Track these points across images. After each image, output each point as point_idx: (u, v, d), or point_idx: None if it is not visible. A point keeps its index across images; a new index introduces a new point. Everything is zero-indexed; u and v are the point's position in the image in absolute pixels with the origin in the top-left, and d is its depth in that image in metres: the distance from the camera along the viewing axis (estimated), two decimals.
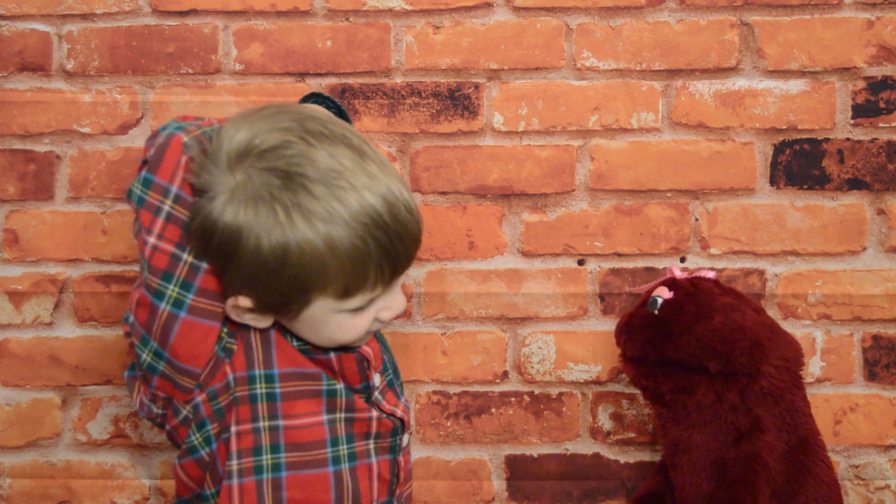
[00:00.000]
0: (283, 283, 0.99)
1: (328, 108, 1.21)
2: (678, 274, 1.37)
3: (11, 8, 1.50)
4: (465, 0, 1.49)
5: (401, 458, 1.16)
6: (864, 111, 1.49)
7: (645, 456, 1.53)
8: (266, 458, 1.07)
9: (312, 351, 1.09)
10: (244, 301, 1.02)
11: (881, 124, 1.49)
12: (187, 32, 1.50)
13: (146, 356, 1.04)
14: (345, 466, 1.09)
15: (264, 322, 1.06)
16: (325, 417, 1.09)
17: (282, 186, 0.97)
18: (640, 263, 1.51)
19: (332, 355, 1.10)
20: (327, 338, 1.07)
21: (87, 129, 1.51)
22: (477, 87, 1.50)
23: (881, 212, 1.50)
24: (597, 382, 1.52)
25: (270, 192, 0.97)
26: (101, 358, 1.51)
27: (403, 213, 1.01)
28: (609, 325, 1.51)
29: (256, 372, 1.07)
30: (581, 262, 1.51)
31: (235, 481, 1.07)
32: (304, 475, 1.08)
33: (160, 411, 1.09)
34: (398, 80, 1.50)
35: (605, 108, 1.50)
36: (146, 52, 1.50)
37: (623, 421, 1.53)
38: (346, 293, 1.02)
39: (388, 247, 1.00)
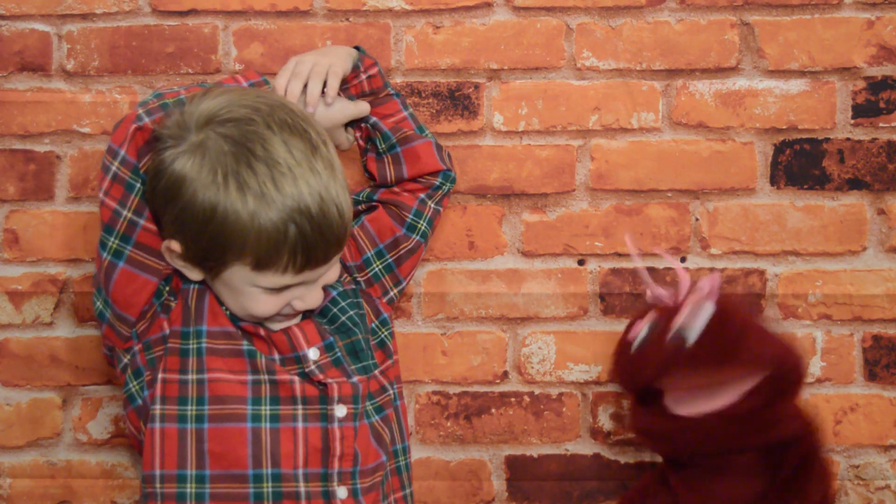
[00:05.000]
0: (205, 238, 1.10)
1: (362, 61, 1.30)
2: (684, 281, 1.23)
3: (11, 8, 1.50)
4: (465, 0, 1.49)
5: (336, 429, 1.19)
6: (864, 111, 1.49)
7: (645, 456, 1.53)
8: (191, 409, 1.16)
9: (241, 320, 1.19)
10: (175, 245, 1.13)
11: (881, 124, 1.49)
12: (187, 32, 1.50)
13: (99, 304, 1.18)
14: (265, 426, 1.17)
15: (193, 273, 1.17)
16: (249, 377, 1.17)
17: (229, 153, 1.08)
18: (641, 263, 1.51)
19: (260, 326, 1.19)
20: (241, 306, 1.16)
21: (87, 129, 1.51)
22: (477, 86, 1.50)
23: (881, 212, 1.50)
24: (597, 383, 1.52)
25: (218, 155, 1.08)
26: (101, 358, 1.50)
27: (332, 212, 1.11)
28: (609, 325, 1.51)
29: (191, 329, 1.18)
30: (581, 262, 1.51)
31: (157, 425, 1.16)
32: (223, 428, 1.16)
33: (109, 356, 1.24)
34: (398, 79, 1.50)
35: (605, 107, 1.50)
36: (146, 52, 1.50)
37: (623, 421, 1.52)
38: (258, 267, 1.11)
39: (308, 237, 1.10)
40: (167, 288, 1.20)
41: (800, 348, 1.23)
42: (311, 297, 1.18)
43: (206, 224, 1.09)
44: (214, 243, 1.10)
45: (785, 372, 1.19)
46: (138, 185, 1.12)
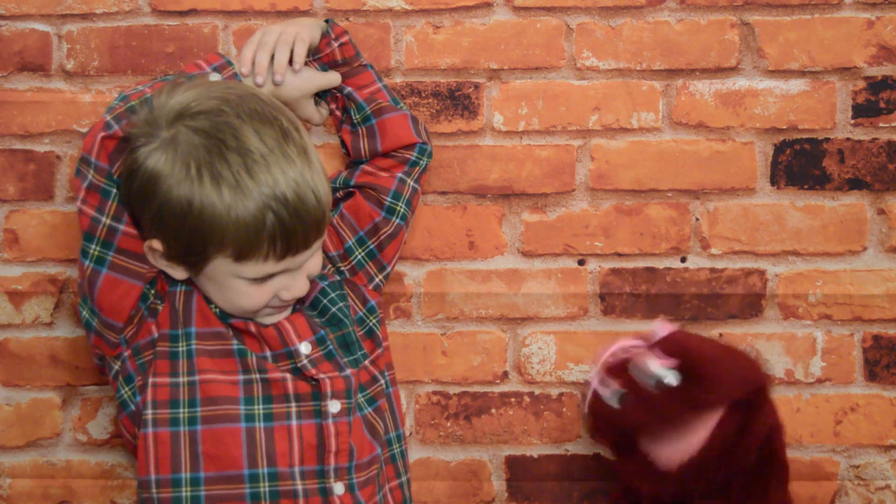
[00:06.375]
0: (185, 233, 1.10)
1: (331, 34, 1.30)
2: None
3: (11, 8, 1.50)
4: (464, 0, 1.49)
5: (330, 425, 1.19)
6: (864, 111, 1.49)
7: None
8: (183, 412, 1.16)
9: (231, 317, 1.19)
10: (157, 244, 1.13)
11: (881, 124, 1.49)
12: (187, 32, 1.50)
13: (85, 313, 1.18)
14: (259, 425, 1.17)
15: (177, 272, 1.16)
16: (241, 377, 1.17)
17: (201, 146, 1.08)
18: (641, 263, 1.51)
19: (251, 322, 1.19)
20: (229, 301, 1.16)
21: (86, 129, 1.51)
22: (477, 86, 1.50)
23: (881, 212, 1.50)
24: None
25: (190, 149, 1.08)
26: None
27: (309, 197, 1.11)
28: (609, 325, 1.51)
29: (179, 331, 1.17)
30: (581, 262, 1.51)
31: (150, 430, 1.17)
32: (216, 429, 1.16)
33: (100, 365, 1.24)
34: (398, 79, 1.50)
35: (605, 107, 1.50)
36: (146, 52, 1.50)
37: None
38: (240, 257, 1.11)
39: (287, 224, 1.09)
40: (153, 291, 1.20)
41: (759, 362, 1.31)
42: (296, 287, 1.17)
43: (184, 219, 1.09)
44: (194, 238, 1.10)
45: (752, 392, 1.26)
46: (114, 190, 1.11)
